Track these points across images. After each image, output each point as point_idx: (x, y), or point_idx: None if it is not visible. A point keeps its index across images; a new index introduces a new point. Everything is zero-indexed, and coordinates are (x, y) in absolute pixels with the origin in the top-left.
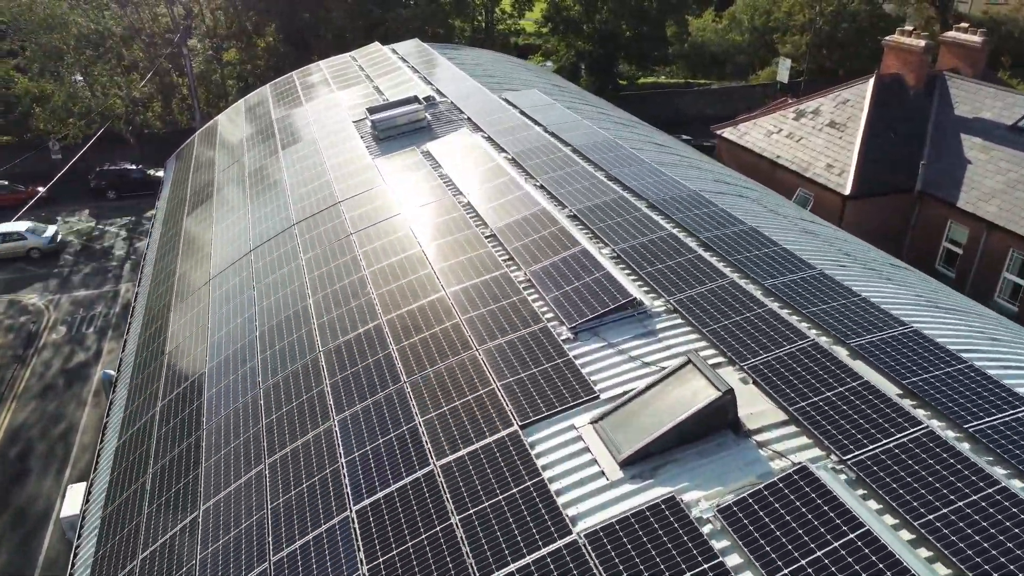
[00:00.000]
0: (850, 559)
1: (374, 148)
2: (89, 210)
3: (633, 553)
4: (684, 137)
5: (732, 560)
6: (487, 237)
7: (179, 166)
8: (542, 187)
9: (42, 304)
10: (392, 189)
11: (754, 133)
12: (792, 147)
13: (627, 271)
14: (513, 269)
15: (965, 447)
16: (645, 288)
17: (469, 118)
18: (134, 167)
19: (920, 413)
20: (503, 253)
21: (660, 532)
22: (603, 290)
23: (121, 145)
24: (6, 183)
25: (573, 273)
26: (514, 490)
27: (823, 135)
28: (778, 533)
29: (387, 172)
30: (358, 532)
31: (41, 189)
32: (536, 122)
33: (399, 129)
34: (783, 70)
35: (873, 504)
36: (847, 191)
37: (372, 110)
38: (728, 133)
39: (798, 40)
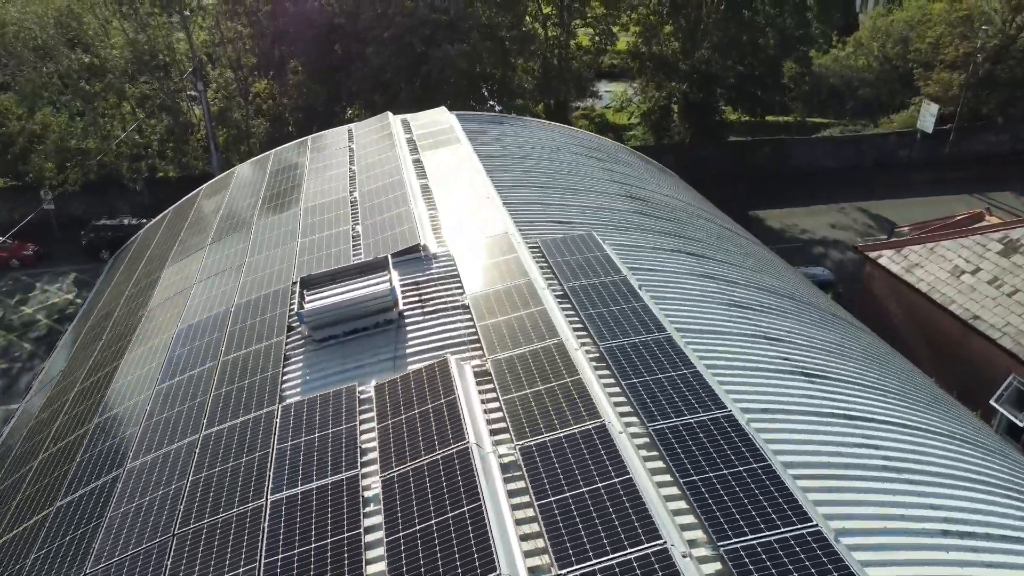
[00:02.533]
0: None
1: (298, 363)
2: (77, 274)
3: None
4: (817, 272)
5: None
6: None
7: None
8: None
9: None
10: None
11: (930, 267)
12: (1000, 303)
13: None
14: None
15: None
16: None
17: (469, 305)
18: (134, 221)
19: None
20: None
21: None
22: None
23: (127, 193)
24: None
25: None
26: None
27: None
28: None
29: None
30: None
31: (31, 247)
32: (587, 325)
33: (350, 324)
34: (927, 117)
35: None
36: None
37: (308, 285)
38: (888, 260)
39: (947, 79)
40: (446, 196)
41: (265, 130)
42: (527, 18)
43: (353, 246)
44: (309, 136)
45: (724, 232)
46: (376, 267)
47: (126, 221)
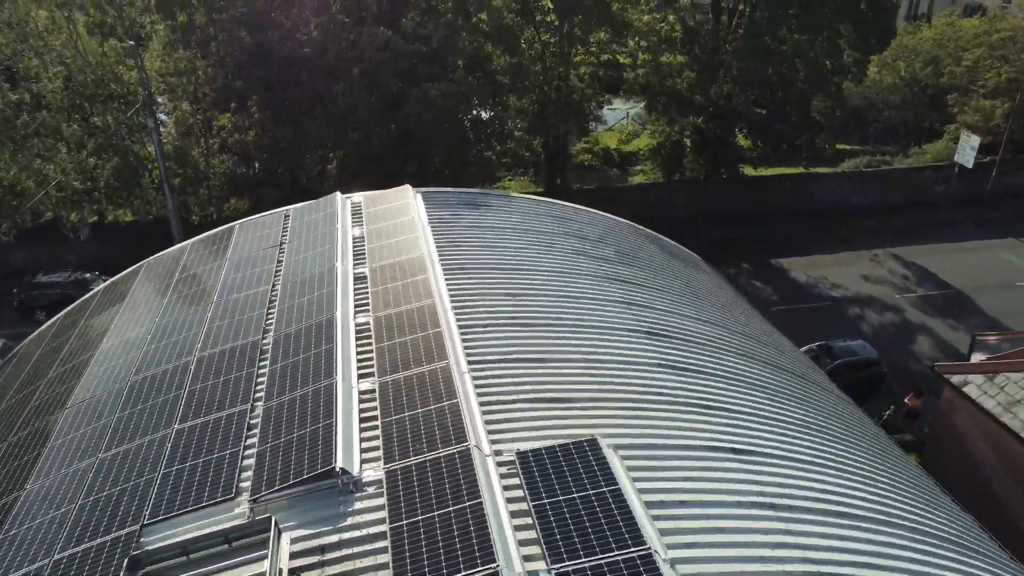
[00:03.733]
0: None
1: None
2: (4, 341)
3: None
4: (856, 348)
5: None
6: None
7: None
8: None
9: None
10: None
11: None
12: None
13: None
14: None
15: None
16: None
17: None
18: (76, 276)
19: None
20: None
21: None
22: None
23: (72, 243)
24: None
25: None
26: None
27: None
28: None
29: None
30: None
31: None
32: None
33: None
34: (967, 151)
35: None
36: None
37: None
38: (978, 391)
39: (988, 107)
40: (393, 350)
41: (227, 170)
42: (523, 48)
43: (244, 457)
44: (236, 223)
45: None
46: (254, 531)
47: (67, 276)
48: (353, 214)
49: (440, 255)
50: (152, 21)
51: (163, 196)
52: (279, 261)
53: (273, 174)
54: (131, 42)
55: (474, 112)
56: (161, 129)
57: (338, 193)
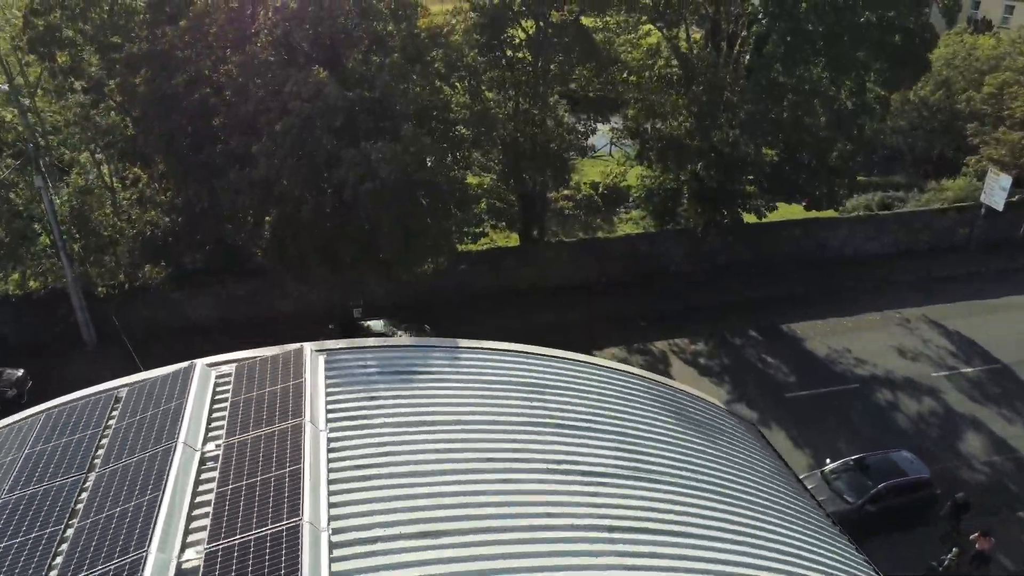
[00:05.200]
0: None
1: None
2: None
3: None
4: (900, 463)
5: None
6: None
7: None
8: None
9: None
10: None
11: None
12: None
13: None
14: None
15: None
16: None
17: None
18: None
19: None
20: None
21: None
22: None
23: None
24: None
25: None
26: None
27: None
28: None
29: None
30: None
31: None
32: None
33: None
34: (996, 191)
35: None
36: None
37: None
38: None
39: (1017, 140)
40: None
41: (138, 231)
42: (486, 93)
43: None
44: (37, 410)
45: None
46: None
47: None
48: (212, 406)
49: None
50: (26, 63)
51: (61, 264)
52: (71, 513)
53: (192, 237)
54: (3, 86)
55: (431, 178)
56: (62, 186)
57: (198, 364)
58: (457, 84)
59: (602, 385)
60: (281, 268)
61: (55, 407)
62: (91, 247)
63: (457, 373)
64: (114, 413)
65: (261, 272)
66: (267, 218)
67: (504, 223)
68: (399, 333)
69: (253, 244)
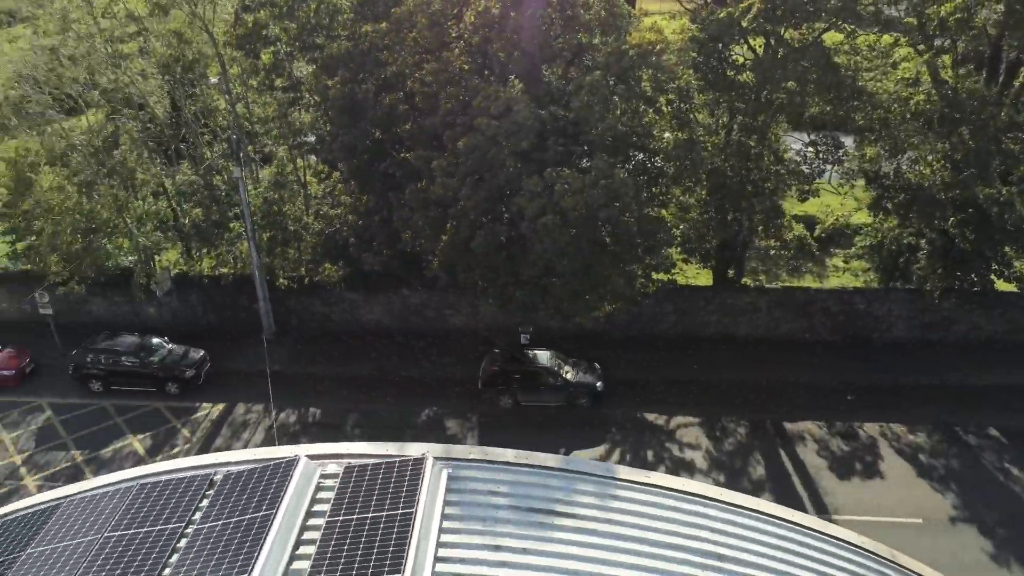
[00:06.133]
0: None
1: None
2: (51, 414)
3: None
4: None
5: None
6: None
7: None
8: None
9: None
10: None
11: None
12: None
13: None
14: None
15: None
16: None
17: None
18: (138, 339)
19: None
20: None
21: None
22: None
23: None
24: None
25: None
26: None
27: None
28: None
29: None
30: None
31: (18, 361)
32: None
33: None
34: None
35: None
36: None
37: None
38: None
39: None
40: None
41: (321, 230)
42: (696, 116)
43: None
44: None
45: None
46: None
47: (129, 340)
48: (305, 521)
49: None
50: (233, 58)
51: (249, 253)
52: None
53: (371, 243)
54: (213, 80)
55: (624, 216)
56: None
57: (301, 460)
58: (664, 107)
59: (808, 566)
60: (453, 286)
61: (149, 479)
62: (278, 239)
63: (610, 522)
64: (202, 504)
65: (435, 284)
66: (442, 237)
67: (697, 257)
68: (565, 368)
69: (428, 257)
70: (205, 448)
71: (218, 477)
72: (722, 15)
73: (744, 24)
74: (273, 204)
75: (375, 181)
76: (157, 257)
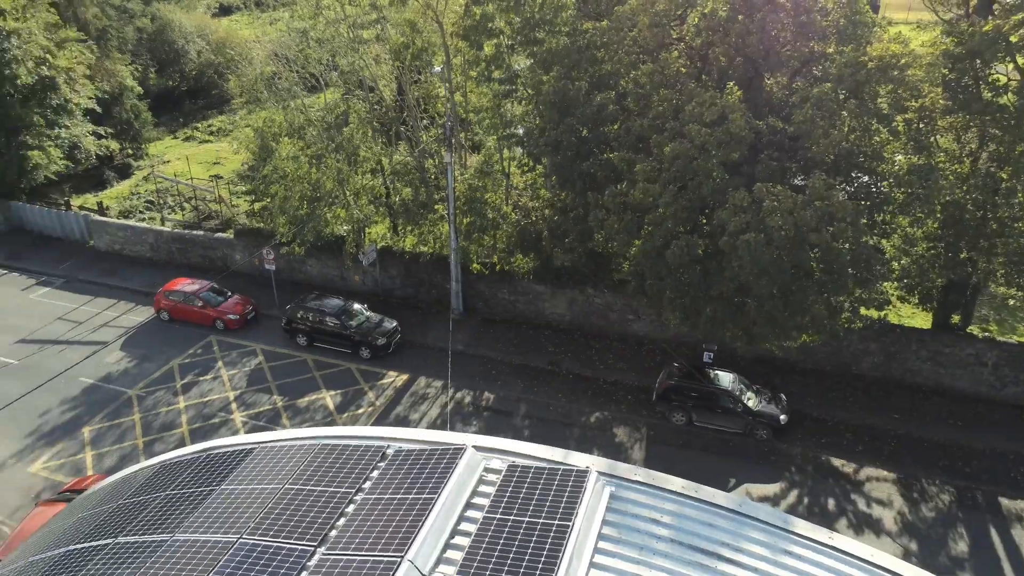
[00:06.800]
0: None
1: None
2: (261, 360)
3: None
4: None
5: None
6: None
7: None
8: None
9: None
10: None
11: None
12: None
13: None
14: None
15: None
16: None
17: None
18: (342, 303)
19: None
20: None
21: None
22: None
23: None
24: (211, 290)
25: None
26: None
27: None
28: None
29: None
30: None
31: (240, 308)
32: None
33: None
34: None
35: None
36: None
37: None
38: None
39: None
40: None
41: (517, 220)
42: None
43: None
44: (254, 446)
45: None
46: None
47: (334, 303)
48: (462, 513)
49: None
50: (457, 48)
51: (448, 235)
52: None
53: (563, 240)
54: (437, 68)
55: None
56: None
57: (468, 450)
58: (900, 127)
59: None
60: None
61: (330, 440)
62: (476, 225)
63: None
64: (373, 474)
65: (621, 288)
66: (635, 242)
67: (916, 296)
68: (748, 394)
69: (618, 260)
70: (386, 413)
71: (390, 451)
72: (988, 28)
73: (1014, 39)
74: (476, 191)
75: (576, 179)
76: (367, 230)
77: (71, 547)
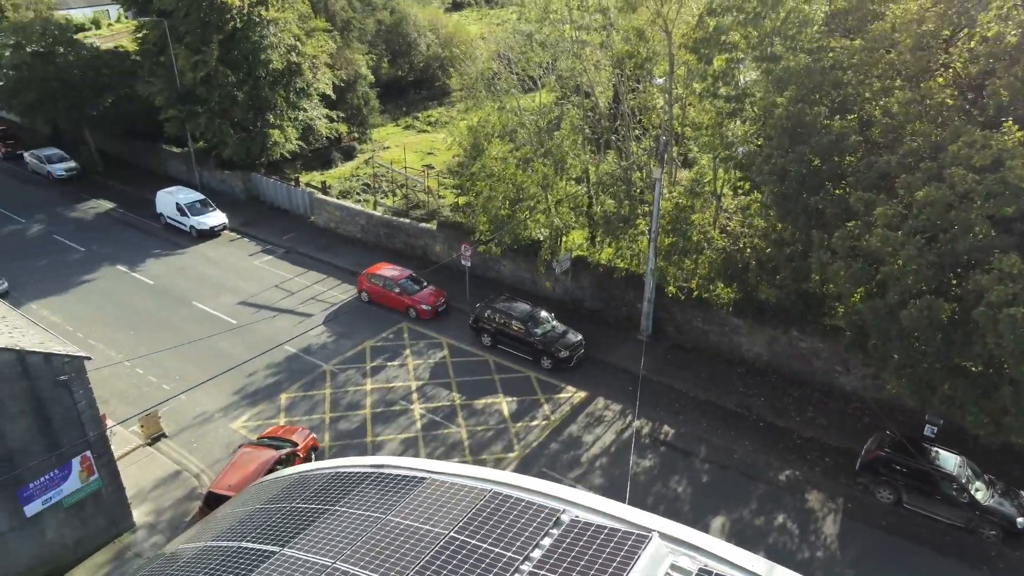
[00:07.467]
0: None
1: None
2: (445, 355)
3: None
4: None
5: None
6: None
7: None
8: None
9: None
10: None
11: None
12: None
13: None
14: None
15: None
16: None
17: None
18: (527, 309)
19: None
20: None
21: None
22: None
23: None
24: (409, 278)
25: None
26: None
27: None
28: None
29: None
30: None
31: (436, 299)
32: None
33: None
34: None
35: None
36: None
37: None
38: None
39: None
40: None
41: (723, 247)
42: None
43: None
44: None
45: None
46: None
47: (522, 307)
48: None
49: None
50: (684, 61)
51: (646, 253)
52: None
53: (773, 276)
54: (658, 79)
55: None
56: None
57: (654, 539)
58: None
59: None
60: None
61: (503, 488)
62: (678, 246)
63: None
64: (544, 542)
65: (833, 334)
66: (858, 292)
67: None
68: (976, 485)
69: (833, 304)
70: (559, 431)
71: (565, 518)
72: None
73: None
74: (683, 211)
75: (799, 212)
76: (564, 237)
77: (243, 544)
